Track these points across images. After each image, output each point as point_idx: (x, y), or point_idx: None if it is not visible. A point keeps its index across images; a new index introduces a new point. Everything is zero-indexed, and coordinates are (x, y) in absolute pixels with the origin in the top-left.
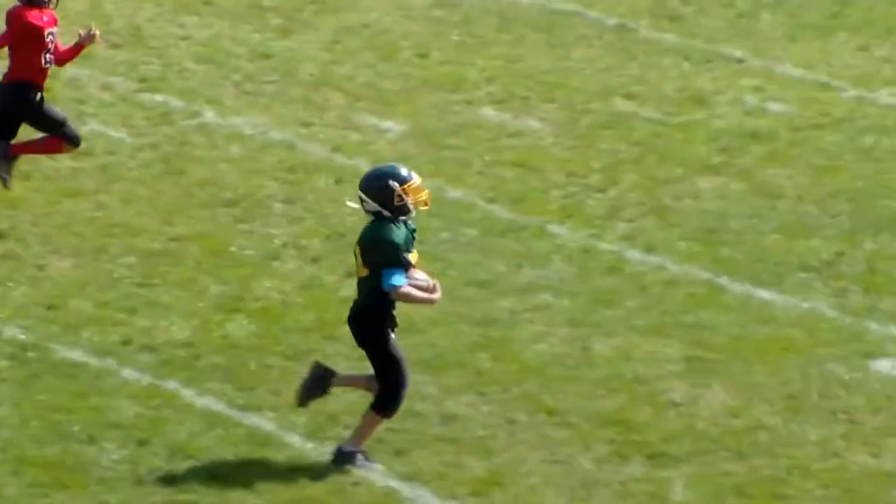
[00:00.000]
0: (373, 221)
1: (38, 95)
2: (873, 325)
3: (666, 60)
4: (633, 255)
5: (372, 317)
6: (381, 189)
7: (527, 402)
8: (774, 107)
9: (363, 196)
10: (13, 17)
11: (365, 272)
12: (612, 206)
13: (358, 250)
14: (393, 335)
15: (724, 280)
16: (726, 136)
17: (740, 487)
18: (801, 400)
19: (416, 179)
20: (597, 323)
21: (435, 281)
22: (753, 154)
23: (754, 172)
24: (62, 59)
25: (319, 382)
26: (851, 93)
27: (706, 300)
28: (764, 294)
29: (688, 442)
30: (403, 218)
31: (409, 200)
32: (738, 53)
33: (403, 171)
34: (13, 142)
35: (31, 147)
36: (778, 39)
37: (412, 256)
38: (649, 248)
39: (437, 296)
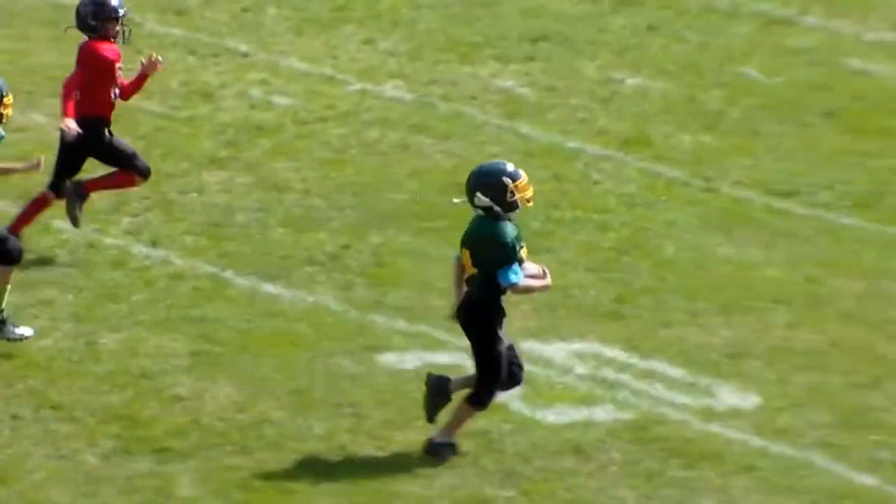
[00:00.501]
0: (480, 219)
1: (107, 131)
2: (379, 319)
3: (172, 54)
4: (138, 249)
5: (482, 311)
6: (494, 185)
7: (31, 398)
8: (280, 100)
9: (477, 192)
10: (86, 51)
11: (473, 271)
12: (116, 200)
13: (466, 252)
14: (501, 330)
15: (229, 274)
16: (232, 129)
17: (246, 481)
18: (308, 394)
19: (524, 177)
20: (102, 318)
21: (544, 266)
22: (260, 148)
23: (261, 166)
24: (128, 92)
25: (441, 392)
26: (356, 86)
27: (212, 294)
28: (270, 288)
29: (194, 436)
30: (512, 214)
31: (519, 197)
32: (243, 48)
33: (514, 169)
34: (84, 179)
35: (104, 182)
36: (283, 33)
37: (523, 251)
38: (154, 243)
39: (549, 280)
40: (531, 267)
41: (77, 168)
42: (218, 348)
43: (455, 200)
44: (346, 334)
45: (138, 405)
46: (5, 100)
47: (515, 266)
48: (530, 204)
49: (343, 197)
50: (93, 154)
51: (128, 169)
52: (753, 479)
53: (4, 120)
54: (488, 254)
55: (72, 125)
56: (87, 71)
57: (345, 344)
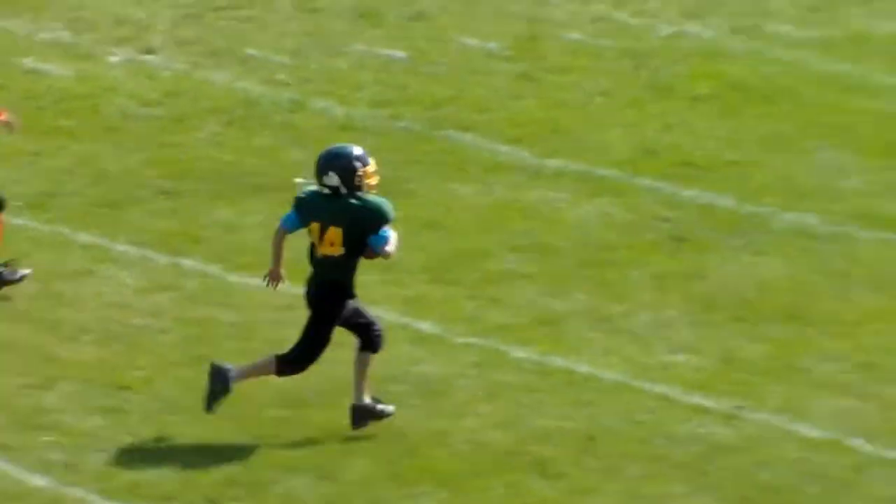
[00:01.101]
0: (334, 198)
1: None
2: None
3: None
4: None
5: (339, 292)
6: (344, 168)
7: None
8: None
9: (327, 171)
10: None
11: (341, 251)
12: None
13: (337, 230)
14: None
15: None
16: None
17: None
18: None
19: (372, 164)
20: None
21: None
22: None
23: None
24: None
25: (223, 384)
26: None
27: None
28: None
29: None
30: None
31: (365, 182)
32: None
33: (364, 153)
34: None
35: None
36: None
37: None
38: None
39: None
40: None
41: None
42: None
43: (298, 179)
44: None
45: None
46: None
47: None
48: (374, 190)
49: None
50: None
51: None
52: None
53: None
54: (365, 226)
55: None
56: None
57: None
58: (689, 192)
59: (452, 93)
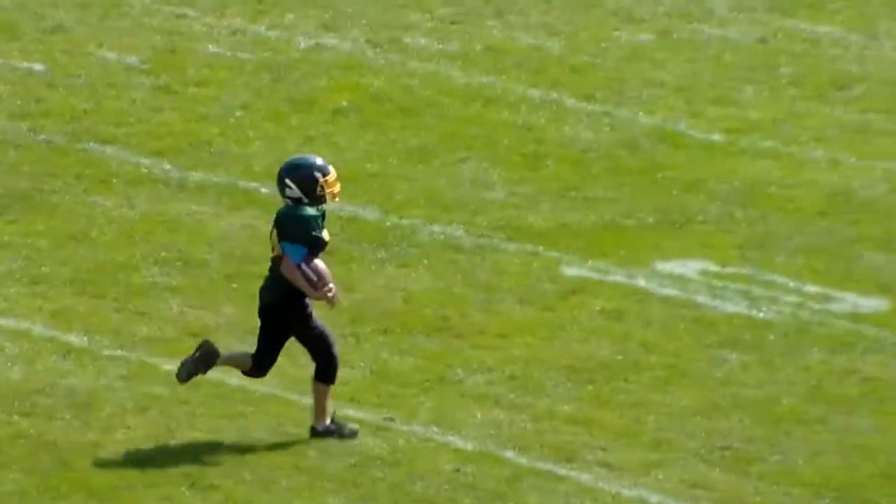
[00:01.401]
0: (288, 207)
1: None
2: None
3: None
4: None
5: (293, 296)
6: (305, 178)
7: None
8: None
9: (287, 182)
10: None
11: (279, 251)
12: None
13: (274, 232)
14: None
15: None
16: None
17: None
18: None
19: (333, 172)
20: None
21: (333, 283)
22: None
23: None
24: None
25: (204, 361)
26: None
27: None
28: None
29: None
30: (320, 207)
31: (328, 191)
32: None
33: (324, 163)
34: None
35: None
36: None
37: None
38: None
39: (323, 293)
40: (320, 266)
41: None
42: None
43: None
44: None
45: None
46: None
47: (303, 247)
48: (336, 199)
49: None
50: None
51: None
52: None
53: None
54: (288, 231)
55: None
56: None
57: None
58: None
59: (91, 106)
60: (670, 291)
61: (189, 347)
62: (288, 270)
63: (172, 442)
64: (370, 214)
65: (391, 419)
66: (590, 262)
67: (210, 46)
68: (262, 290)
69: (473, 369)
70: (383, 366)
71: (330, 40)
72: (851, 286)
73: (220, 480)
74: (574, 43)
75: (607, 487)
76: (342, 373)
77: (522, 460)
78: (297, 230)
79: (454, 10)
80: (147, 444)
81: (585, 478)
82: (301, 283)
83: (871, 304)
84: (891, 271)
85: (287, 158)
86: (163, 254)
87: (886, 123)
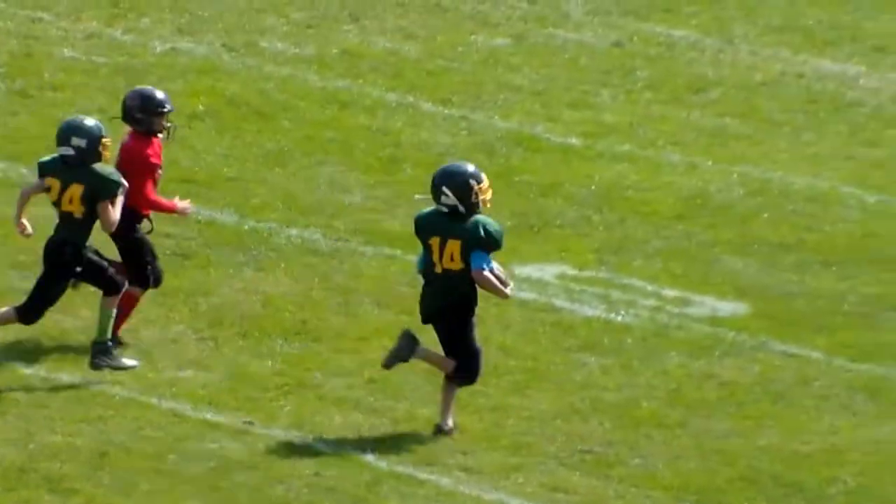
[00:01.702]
0: (448, 215)
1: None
2: None
3: None
4: None
5: (467, 307)
6: (460, 186)
7: None
8: None
9: (444, 190)
10: (128, 146)
11: (461, 265)
12: None
13: (455, 244)
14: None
15: None
16: None
17: None
18: None
19: (486, 180)
20: None
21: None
22: None
23: None
24: (152, 205)
25: (407, 349)
26: None
27: None
28: None
29: None
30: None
31: (481, 199)
32: None
33: (476, 170)
34: None
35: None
36: None
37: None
38: None
39: (508, 291)
40: (497, 267)
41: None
42: None
43: (417, 196)
44: None
45: None
46: (105, 141)
47: (484, 253)
48: (489, 206)
49: None
50: (119, 242)
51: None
52: None
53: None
54: (478, 240)
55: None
56: (126, 165)
57: None
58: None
59: None
60: (528, 295)
61: (48, 351)
62: (483, 279)
63: (31, 446)
64: (228, 218)
65: (250, 423)
66: None
67: (66, 50)
68: (425, 302)
69: (332, 373)
70: (242, 369)
71: (186, 45)
72: (709, 290)
73: (79, 484)
74: (430, 47)
75: (467, 491)
76: (200, 376)
77: (382, 464)
78: (488, 238)
79: (310, 14)
80: (5, 448)
81: (445, 482)
82: (496, 287)
83: (729, 307)
84: (747, 275)
85: (441, 166)
86: (20, 257)
87: (742, 127)
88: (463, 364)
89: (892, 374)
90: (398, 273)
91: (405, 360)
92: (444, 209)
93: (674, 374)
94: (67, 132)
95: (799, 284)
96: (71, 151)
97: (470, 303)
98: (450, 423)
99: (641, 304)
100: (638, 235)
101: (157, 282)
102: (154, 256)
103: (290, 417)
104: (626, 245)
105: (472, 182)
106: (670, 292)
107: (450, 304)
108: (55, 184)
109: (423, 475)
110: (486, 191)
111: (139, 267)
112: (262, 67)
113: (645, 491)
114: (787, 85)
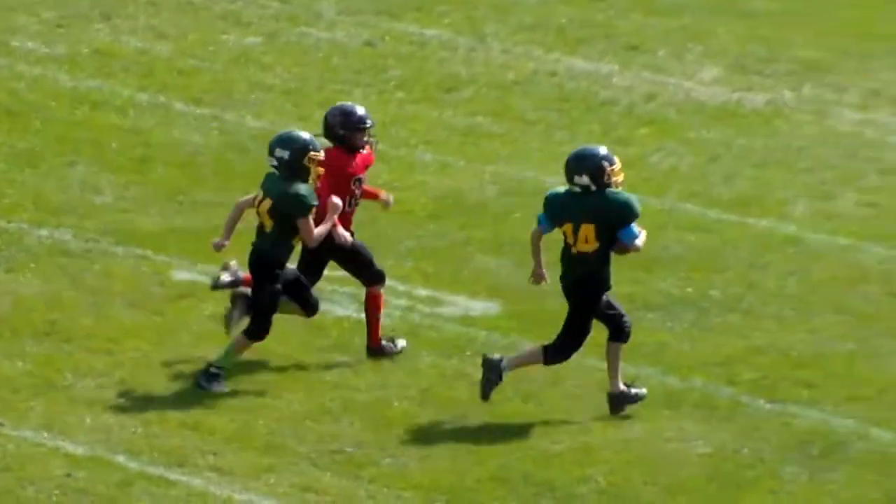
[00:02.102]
0: (578, 194)
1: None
2: None
3: None
4: None
5: (597, 282)
6: (595, 168)
7: None
8: None
9: (577, 171)
10: (330, 159)
11: (595, 245)
12: None
13: (589, 226)
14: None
15: None
16: None
17: None
18: None
19: (618, 162)
20: None
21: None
22: None
23: None
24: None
25: (495, 372)
26: None
27: None
28: None
29: None
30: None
31: (613, 180)
32: None
33: (609, 152)
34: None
35: None
36: None
37: None
38: None
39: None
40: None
41: (320, 273)
42: None
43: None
44: None
45: None
46: (312, 154)
47: (631, 227)
48: (620, 188)
49: None
50: (333, 258)
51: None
52: None
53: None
54: (614, 221)
55: (343, 233)
56: (329, 178)
57: None
58: None
59: None
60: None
61: None
62: (637, 250)
63: None
64: None
65: (0, 424)
66: (199, 266)
67: None
68: (562, 280)
69: (83, 374)
70: None
71: None
72: (461, 289)
73: None
74: (182, 46)
75: (219, 492)
76: None
77: (133, 465)
78: (629, 212)
79: (61, 13)
80: None
81: (197, 482)
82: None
83: (481, 306)
84: (500, 274)
85: (575, 149)
86: None
87: (494, 126)
88: (612, 327)
89: (642, 373)
90: (150, 273)
91: (498, 382)
92: (578, 189)
93: (426, 373)
94: (274, 143)
95: (551, 284)
96: (275, 163)
97: (600, 283)
98: (620, 385)
99: (394, 304)
100: (390, 234)
101: (382, 278)
102: (372, 256)
103: (40, 418)
104: (378, 244)
105: (605, 164)
106: (422, 292)
107: (581, 284)
108: (260, 194)
109: (173, 476)
110: (618, 173)
111: (365, 265)
112: (13, 66)
113: (396, 491)
114: (540, 83)
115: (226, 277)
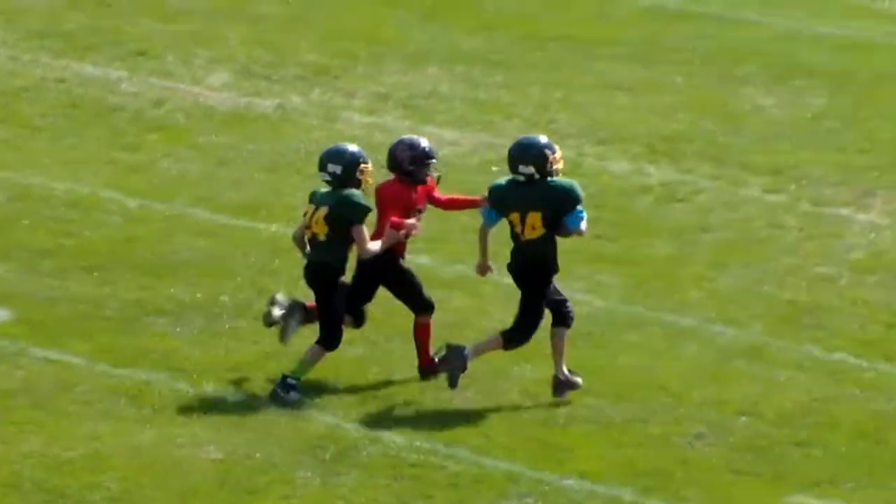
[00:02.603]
0: (522, 183)
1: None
2: None
3: None
4: None
5: (545, 266)
6: (538, 156)
7: None
8: None
9: (521, 161)
10: (393, 192)
11: (541, 231)
12: None
13: (536, 214)
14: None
15: None
16: None
17: None
18: None
19: (558, 150)
20: None
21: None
22: None
23: None
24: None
25: (460, 360)
26: None
27: None
28: None
29: None
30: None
31: (555, 168)
32: None
33: (549, 141)
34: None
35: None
36: None
37: None
38: None
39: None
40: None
41: (370, 300)
42: None
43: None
44: None
45: None
46: (363, 166)
47: (581, 212)
48: (559, 176)
49: None
50: (385, 284)
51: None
52: None
53: (363, 187)
54: (560, 207)
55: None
56: (392, 211)
57: None
58: None
59: None
60: None
61: None
62: (581, 233)
63: None
64: None
65: None
66: None
67: None
68: (512, 266)
69: None
70: None
71: None
72: None
73: None
74: None
75: None
76: None
77: None
78: (574, 198)
79: None
80: None
81: None
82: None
83: None
84: (9, 280)
85: (517, 139)
86: None
87: (2, 132)
88: (556, 312)
89: (152, 379)
90: None
91: (464, 369)
92: (521, 178)
93: None
94: (325, 159)
95: (60, 290)
96: (328, 178)
97: (549, 267)
98: (564, 369)
99: None
100: None
101: (432, 307)
102: (422, 285)
103: None
104: None
105: (548, 152)
106: None
107: (531, 269)
108: (310, 208)
109: None
110: (558, 161)
111: (415, 294)
112: None
113: None
114: (48, 90)
115: (277, 311)
